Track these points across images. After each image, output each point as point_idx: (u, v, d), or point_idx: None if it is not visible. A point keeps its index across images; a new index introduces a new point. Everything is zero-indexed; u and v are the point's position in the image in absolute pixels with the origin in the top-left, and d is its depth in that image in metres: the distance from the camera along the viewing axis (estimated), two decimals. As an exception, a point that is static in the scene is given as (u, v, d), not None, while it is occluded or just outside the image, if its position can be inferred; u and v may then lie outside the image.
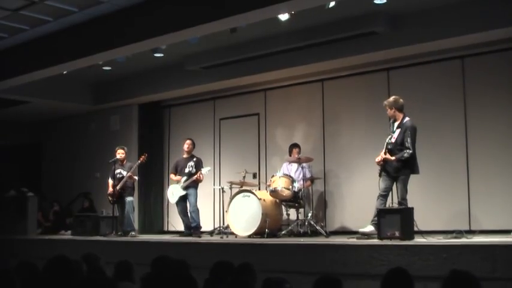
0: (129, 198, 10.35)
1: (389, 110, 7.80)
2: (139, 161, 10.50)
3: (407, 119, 7.75)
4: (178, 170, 10.17)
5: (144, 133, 12.73)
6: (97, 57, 9.64)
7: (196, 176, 9.84)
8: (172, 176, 10.30)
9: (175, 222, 11.34)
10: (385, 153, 7.65)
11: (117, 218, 10.57)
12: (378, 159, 7.74)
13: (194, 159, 10.11)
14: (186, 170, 10.02)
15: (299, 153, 9.83)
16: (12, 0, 8.37)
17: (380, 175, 7.75)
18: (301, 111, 10.89)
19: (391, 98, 7.90)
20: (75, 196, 13.00)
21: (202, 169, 9.92)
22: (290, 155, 9.92)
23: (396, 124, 7.76)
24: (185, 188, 9.93)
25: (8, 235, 11.30)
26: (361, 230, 7.79)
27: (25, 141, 15.32)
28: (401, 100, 7.85)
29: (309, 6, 7.60)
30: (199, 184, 10.08)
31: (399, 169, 7.60)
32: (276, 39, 9.69)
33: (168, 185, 11.31)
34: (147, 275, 3.87)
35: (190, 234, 9.86)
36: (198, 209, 9.95)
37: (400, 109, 7.79)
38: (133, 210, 10.61)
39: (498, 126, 8.83)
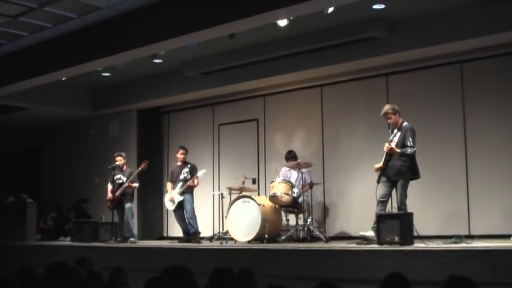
0: (128, 205, 10.35)
1: (393, 116, 7.79)
2: (139, 169, 10.48)
3: (405, 122, 7.78)
4: (174, 178, 10.20)
5: (143, 139, 12.73)
6: (96, 64, 9.65)
7: (190, 181, 9.88)
8: (168, 185, 10.29)
9: (175, 228, 11.32)
10: (389, 145, 7.62)
11: (116, 224, 10.56)
12: (378, 165, 7.75)
13: (188, 165, 10.17)
14: (181, 177, 10.07)
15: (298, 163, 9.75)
16: (12, 7, 8.38)
17: (378, 181, 7.74)
18: (300, 117, 10.90)
19: (389, 106, 7.87)
20: (74, 202, 13.01)
21: (198, 173, 9.98)
22: (286, 162, 9.90)
23: (396, 129, 7.77)
24: (181, 194, 9.95)
25: (7, 241, 11.29)
26: (361, 232, 7.79)
27: (24, 147, 15.33)
28: (395, 105, 7.91)
29: (307, 12, 7.61)
30: (196, 189, 10.13)
31: (400, 172, 7.58)
32: (275, 45, 9.70)
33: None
34: (152, 280, 3.84)
35: (189, 240, 9.86)
36: (195, 215, 9.97)
37: (399, 113, 7.83)
38: (133, 217, 10.60)
39: (497, 131, 8.83)
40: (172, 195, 10.05)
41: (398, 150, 7.56)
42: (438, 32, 8.51)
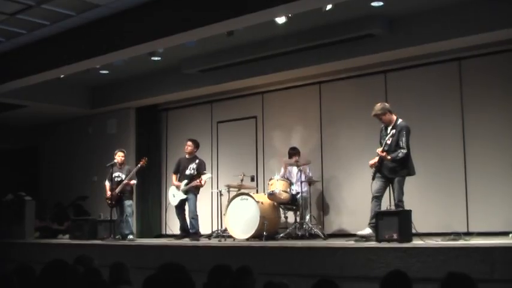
0: (128, 202, 10.34)
1: (383, 117, 7.82)
2: (139, 165, 10.44)
3: (400, 120, 7.79)
4: (180, 170, 10.13)
5: (142, 136, 12.72)
6: (94, 61, 9.63)
7: (197, 181, 9.82)
8: (173, 177, 10.23)
9: (174, 226, 11.32)
10: (382, 151, 7.64)
11: (114, 221, 10.54)
12: (372, 162, 7.77)
13: (197, 161, 10.07)
14: (187, 172, 9.99)
15: (297, 159, 9.77)
16: (9, 4, 8.36)
17: (373, 178, 7.75)
18: (298, 114, 10.89)
19: (379, 106, 7.88)
20: (73, 200, 13.00)
21: (203, 175, 9.87)
22: (290, 158, 9.89)
23: (390, 126, 7.77)
24: (185, 192, 9.90)
25: (6, 239, 11.28)
26: (359, 232, 7.79)
27: (22, 145, 15.31)
28: (386, 103, 7.90)
29: (306, 9, 7.60)
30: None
31: (395, 170, 7.62)
32: (273, 42, 9.70)
33: (166, 188, 11.29)
34: (151, 277, 3.84)
35: (185, 236, 9.84)
36: (197, 216, 9.91)
37: (391, 111, 7.84)
38: (133, 214, 10.58)
39: (495, 127, 8.84)
40: (176, 189, 10.00)
41: (389, 157, 7.58)
42: (436, 29, 8.51)
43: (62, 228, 12.35)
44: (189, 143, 10.16)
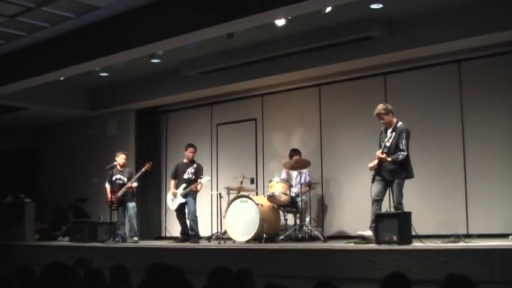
0: (131, 204, 10.33)
1: (386, 117, 7.80)
2: (143, 169, 10.37)
3: (400, 122, 7.78)
4: (177, 175, 10.15)
5: (141, 139, 12.72)
6: (94, 63, 9.65)
7: (193, 186, 9.84)
8: (172, 183, 10.25)
9: (173, 228, 11.32)
10: (381, 153, 7.64)
11: (114, 223, 10.53)
12: (371, 164, 7.76)
13: (194, 165, 10.10)
14: (185, 176, 10.01)
15: (298, 159, 9.80)
16: (9, 7, 8.37)
17: (373, 181, 7.75)
18: (298, 116, 10.90)
19: (382, 106, 7.86)
20: (73, 202, 13.00)
21: (201, 179, 9.89)
22: (290, 158, 9.87)
23: (390, 129, 7.77)
24: (184, 196, 9.92)
25: (6, 241, 11.27)
26: (360, 232, 7.81)
27: (22, 147, 15.31)
28: (389, 105, 7.91)
29: (305, 12, 7.61)
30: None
31: (394, 173, 7.61)
32: (273, 45, 9.71)
33: (166, 190, 11.26)
34: (143, 282, 3.85)
35: (186, 240, 9.84)
36: (197, 217, 9.93)
37: (393, 113, 7.83)
38: (136, 215, 10.56)
39: (495, 129, 8.85)
40: (174, 194, 10.02)
41: (389, 159, 7.57)
42: (436, 31, 8.52)
43: (60, 232, 12.35)
44: (192, 149, 10.17)
